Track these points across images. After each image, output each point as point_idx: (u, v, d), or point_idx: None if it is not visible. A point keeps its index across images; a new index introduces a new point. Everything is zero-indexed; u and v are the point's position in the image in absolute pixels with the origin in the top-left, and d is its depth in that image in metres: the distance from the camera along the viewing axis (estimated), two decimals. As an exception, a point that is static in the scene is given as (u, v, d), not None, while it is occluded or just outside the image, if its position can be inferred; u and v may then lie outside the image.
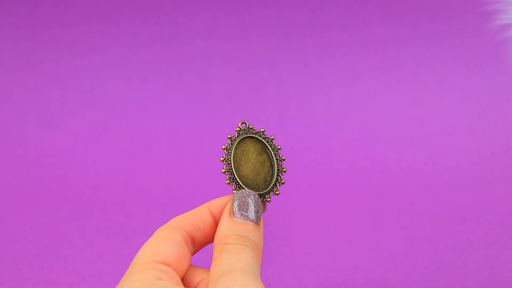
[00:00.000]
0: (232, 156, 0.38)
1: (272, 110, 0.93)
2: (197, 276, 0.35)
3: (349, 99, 0.94)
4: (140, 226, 0.74)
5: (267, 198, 0.38)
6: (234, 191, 0.37)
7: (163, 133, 0.92)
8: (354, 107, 0.93)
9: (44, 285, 0.63)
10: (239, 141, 0.39)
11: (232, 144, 0.38)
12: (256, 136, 0.39)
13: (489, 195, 0.82)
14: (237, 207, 0.35)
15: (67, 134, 0.92)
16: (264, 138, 0.39)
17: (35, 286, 0.63)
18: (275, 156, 0.39)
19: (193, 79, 0.95)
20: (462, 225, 0.75)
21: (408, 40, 0.95)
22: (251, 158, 0.39)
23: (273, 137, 0.39)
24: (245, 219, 0.35)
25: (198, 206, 0.37)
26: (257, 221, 0.35)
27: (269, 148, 0.39)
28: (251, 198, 0.36)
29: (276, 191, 0.38)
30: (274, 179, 0.38)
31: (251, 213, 0.35)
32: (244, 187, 0.37)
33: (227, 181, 0.38)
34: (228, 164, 0.38)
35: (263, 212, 0.37)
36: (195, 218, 0.36)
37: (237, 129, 0.39)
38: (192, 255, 0.36)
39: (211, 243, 0.36)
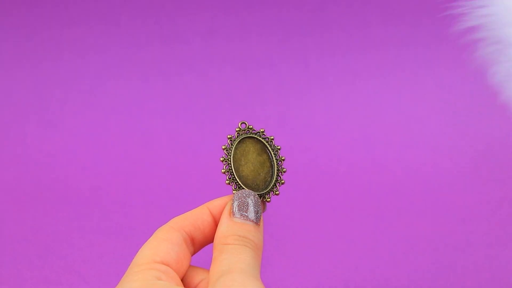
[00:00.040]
0: (232, 156, 0.38)
1: (272, 110, 0.93)
2: (197, 276, 0.35)
3: (349, 99, 0.94)
4: (140, 226, 0.74)
5: (267, 198, 0.38)
6: (234, 192, 0.37)
7: (163, 133, 0.92)
8: (354, 107, 0.93)
9: (44, 285, 0.63)
10: (239, 141, 0.39)
11: (232, 144, 0.38)
12: (256, 136, 0.39)
13: (489, 195, 0.82)
14: (237, 207, 0.35)
15: (67, 134, 0.92)
16: (264, 138, 0.39)
17: (35, 286, 0.63)
18: (275, 156, 0.39)
19: (193, 79, 0.95)
20: (462, 225, 0.75)
21: (408, 40, 0.95)
22: (251, 158, 0.39)
23: (273, 137, 0.39)
24: (245, 219, 0.35)
25: (198, 206, 0.37)
26: (257, 222, 0.35)
27: (269, 148, 0.39)
28: (251, 198, 0.36)
29: (276, 191, 0.38)
30: (274, 179, 0.38)
31: (251, 213, 0.35)
32: (244, 187, 0.37)
33: (227, 182, 0.38)
34: (228, 164, 0.38)
35: (263, 212, 0.37)
36: (195, 218, 0.36)
37: (237, 129, 0.39)
38: (192, 255, 0.36)
39: (211, 244, 0.36)
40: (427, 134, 0.92)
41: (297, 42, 0.95)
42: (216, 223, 0.36)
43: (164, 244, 0.34)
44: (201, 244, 0.37)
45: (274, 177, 0.38)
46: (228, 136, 0.39)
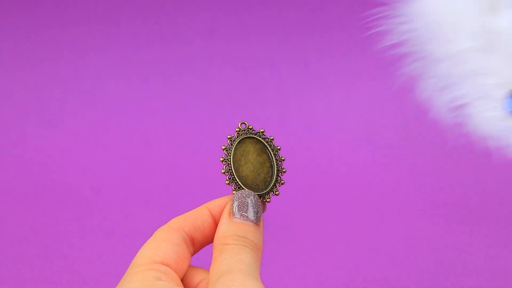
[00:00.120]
0: (231, 156, 0.38)
1: (272, 110, 0.93)
2: (197, 276, 0.35)
3: (349, 99, 0.94)
4: (140, 227, 0.74)
5: (267, 198, 0.38)
6: (233, 192, 0.37)
7: (163, 133, 0.92)
8: (354, 107, 0.93)
9: (45, 286, 0.63)
10: (239, 141, 0.38)
11: (231, 144, 0.38)
12: (255, 136, 0.39)
13: (489, 195, 0.82)
14: (236, 207, 0.35)
15: (67, 134, 0.92)
16: (264, 139, 0.39)
17: (36, 286, 0.63)
18: (274, 157, 0.39)
19: (193, 79, 0.95)
20: (462, 225, 0.75)
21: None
22: (251, 158, 0.38)
23: (272, 138, 0.39)
24: (244, 219, 0.35)
25: (197, 206, 0.37)
26: (256, 222, 0.35)
27: (269, 148, 0.39)
28: (251, 199, 0.35)
29: (275, 191, 0.38)
30: (274, 180, 0.38)
31: (251, 214, 0.35)
32: (244, 187, 0.37)
33: (226, 182, 0.38)
34: (228, 164, 0.38)
35: (263, 212, 0.37)
36: (194, 218, 0.36)
37: (236, 129, 0.39)
38: (192, 255, 0.36)
39: (211, 244, 0.36)
40: (427, 134, 0.92)
41: (297, 42, 0.95)
42: (216, 223, 0.36)
43: (164, 245, 0.34)
44: (201, 244, 0.37)
45: (274, 177, 0.38)
46: (228, 136, 0.38)
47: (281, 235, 0.72)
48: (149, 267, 0.32)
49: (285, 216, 0.76)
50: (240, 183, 0.37)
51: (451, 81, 0.34)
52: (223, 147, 0.38)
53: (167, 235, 0.35)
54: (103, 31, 0.96)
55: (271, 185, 0.38)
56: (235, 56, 0.96)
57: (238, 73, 0.95)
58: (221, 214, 0.36)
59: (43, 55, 0.96)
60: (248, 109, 0.94)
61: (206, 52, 0.96)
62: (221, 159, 0.38)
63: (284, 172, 0.39)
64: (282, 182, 0.39)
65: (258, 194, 0.37)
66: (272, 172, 0.39)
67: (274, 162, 0.39)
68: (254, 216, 0.35)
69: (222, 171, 0.38)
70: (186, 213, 0.37)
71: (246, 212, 0.35)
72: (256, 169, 0.38)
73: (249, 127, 0.39)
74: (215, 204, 0.37)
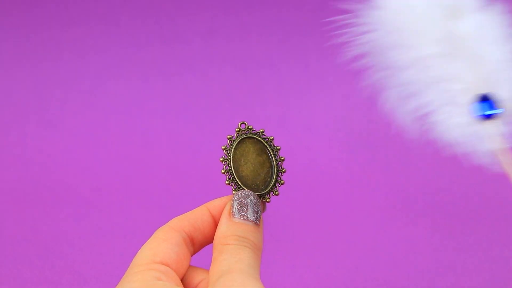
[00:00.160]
0: (231, 156, 0.38)
1: (272, 110, 0.93)
2: (197, 276, 0.35)
3: (349, 99, 0.94)
4: (140, 227, 0.74)
5: (267, 198, 0.38)
6: (233, 192, 0.37)
7: (163, 133, 0.92)
8: (354, 107, 0.93)
9: (44, 286, 0.63)
10: (239, 141, 0.38)
11: (231, 144, 0.38)
12: (255, 136, 0.39)
13: (489, 195, 0.82)
14: (236, 207, 0.35)
15: (67, 134, 0.92)
16: (264, 139, 0.39)
17: (36, 287, 0.63)
18: (274, 157, 0.39)
19: (193, 79, 0.95)
20: (462, 225, 0.75)
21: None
22: (251, 158, 0.38)
23: (272, 138, 0.39)
24: (244, 219, 0.35)
25: (197, 206, 0.37)
26: (256, 222, 0.35)
27: (269, 148, 0.39)
28: (251, 199, 0.35)
29: (275, 191, 0.38)
30: (274, 180, 0.38)
31: (251, 214, 0.35)
32: (244, 187, 0.37)
33: (226, 182, 0.38)
34: (228, 164, 0.38)
35: (263, 212, 0.37)
36: (194, 218, 0.36)
37: (236, 129, 0.39)
38: (191, 255, 0.36)
39: (211, 244, 0.36)
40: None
41: (297, 42, 0.95)
42: (216, 223, 0.36)
43: (163, 245, 0.34)
44: (201, 245, 0.37)
45: (274, 177, 0.38)
46: (228, 137, 0.38)
47: (281, 235, 0.72)
48: (149, 267, 0.32)
49: (285, 216, 0.76)
50: (240, 183, 0.37)
51: (415, 88, 0.34)
52: (223, 147, 0.38)
53: (167, 235, 0.35)
54: (103, 31, 0.96)
55: (271, 185, 0.38)
56: (235, 56, 0.96)
57: (238, 73, 0.95)
58: (221, 214, 0.36)
59: (43, 55, 0.96)
60: (248, 109, 0.94)
61: (206, 52, 0.96)
62: (221, 159, 0.38)
63: (284, 172, 0.39)
64: (282, 182, 0.39)
65: (258, 194, 0.37)
66: (272, 172, 0.39)
67: (274, 162, 0.39)
68: (254, 216, 0.35)
69: (222, 171, 0.38)
70: (186, 213, 0.37)
71: (246, 212, 0.35)
72: (256, 169, 0.38)
73: (249, 127, 0.39)
74: (215, 204, 0.37)
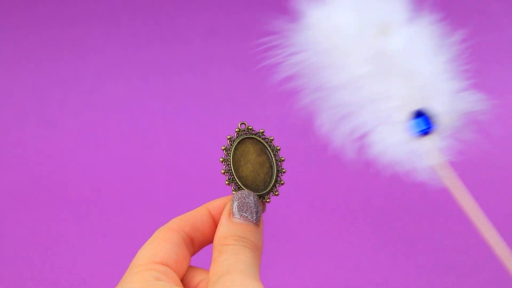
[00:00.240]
0: (231, 157, 0.38)
1: (272, 110, 0.93)
2: (197, 277, 0.35)
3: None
4: (140, 227, 0.74)
5: (267, 198, 0.38)
6: (233, 192, 0.37)
7: (163, 133, 0.92)
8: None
9: (44, 286, 0.63)
10: (239, 141, 0.38)
11: (231, 145, 0.38)
12: (255, 137, 0.39)
13: (489, 195, 0.82)
14: (236, 208, 0.35)
15: (67, 134, 0.92)
16: (264, 139, 0.39)
17: (35, 287, 0.63)
18: (274, 157, 0.39)
19: (193, 79, 0.95)
20: (462, 225, 0.75)
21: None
22: (251, 159, 0.38)
23: (272, 138, 0.39)
24: (244, 220, 0.35)
25: (197, 206, 0.37)
26: (256, 222, 0.35)
27: (269, 149, 0.39)
28: (251, 199, 0.35)
29: (275, 191, 0.38)
30: (274, 180, 0.38)
31: (251, 214, 0.35)
32: (244, 188, 0.37)
33: (226, 182, 0.38)
34: (228, 165, 0.38)
35: (263, 213, 0.37)
36: (194, 219, 0.36)
37: (236, 129, 0.39)
38: (191, 255, 0.36)
39: (211, 244, 0.36)
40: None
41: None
42: (215, 223, 0.36)
43: (163, 245, 0.34)
44: (200, 245, 0.37)
45: (274, 177, 0.38)
46: (228, 137, 0.38)
47: (281, 235, 0.72)
48: (148, 267, 0.32)
49: (285, 216, 0.76)
50: (239, 183, 0.37)
51: (350, 109, 0.33)
52: (222, 148, 0.38)
53: (167, 235, 0.35)
54: (103, 31, 0.96)
55: (270, 186, 0.38)
56: (235, 56, 0.96)
57: (238, 73, 0.95)
58: (220, 215, 0.36)
59: (43, 55, 0.96)
60: (248, 109, 0.94)
61: (206, 52, 0.96)
62: (220, 159, 0.38)
63: (284, 172, 0.39)
64: (282, 182, 0.39)
65: (257, 195, 0.37)
66: (272, 172, 0.39)
67: (274, 162, 0.39)
68: (254, 217, 0.35)
69: (222, 171, 0.38)
70: (186, 214, 0.37)
71: (245, 213, 0.35)
72: (256, 169, 0.38)
73: (249, 127, 0.39)
74: (214, 205, 0.37)
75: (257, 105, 0.94)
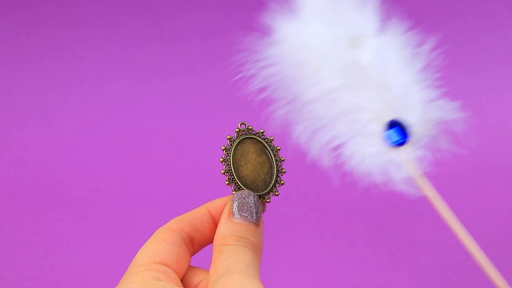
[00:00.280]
0: (231, 157, 0.38)
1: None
2: (197, 277, 0.35)
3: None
4: (140, 227, 0.74)
5: (267, 199, 0.38)
6: (233, 192, 0.37)
7: (162, 133, 0.92)
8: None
9: (44, 286, 0.63)
10: (239, 142, 0.38)
11: (231, 145, 0.38)
12: (255, 137, 0.39)
13: (489, 196, 0.82)
14: (236, 208, 0.35)
15: (67, 134, 0.92)
16: (264, 139, 0.39)
17: (35, 287, 0.63)
18: (274, 157, 0.39)
19: (193, 79, 0.95)
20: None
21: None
22: (251, 159, 0.38)
23: (272, 138, 0.39)
24: (244, 220, 0.35)
25: (197, 206, 0.37)
26: (256, 222, 0.35)
27: (269, 149, 0.39)
28: (251, 199, 0.35)
29: (275, 192, 0.38)
30: (274, 180, 0.38)
31: (251, 214, 0.35)
32: (244, 188, 0.37)
33: (226, 182, 0.38)
34: (228, 165, 0.38)
35: (263, 213, 0.37)
36: (194, 219, 0.36)
37: (236, 129, 0.39)
38: (191, 256, 0.36)
39: (211, 244, 0.36)
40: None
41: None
42: (215, 223, 0.36)
43: (163, 245, 0.34)
44: (200, 245, 0.37)
45: (274, 177, 0.38)
46: (228, 137, 0.38)
47: (281, 235, 0.72)
48: (148, 267, 0.32)
49: (285, 216, 0.76)
50: (239, 183, 0.37)
51: (324, 122, 0.33)
52: (222, 148, 0.38)
53: (167, 236, 0.35)
54: (103, 31, 0.96)
55: (270, 186, 0.38)
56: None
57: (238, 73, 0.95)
58: (220, 215, 0.36)
59: (43, 55, 0.96)
60: (248, 109, 0.93)
61: (206, 52, 0.96)
62: (220, 159, 0.38)
63: (284, 172, 0.39)
64: (282, 182, 0.39)
65: (258, 195, 0.37)
66: (271, 172, 0.39)
67: (274, 162, 0.39)
68: (254, 217, 0.35)
69: (222, 171, 0.38)
70: (186, 214, 0.37)
71: (246, 213, 0.35)
72: (256, 169, 0.38)
73: (249, 127, 0.39)
74: (214, 205, 0.37)
75: (257, 105, 0.94)
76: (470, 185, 0.85)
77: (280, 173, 0.39)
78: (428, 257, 0.69)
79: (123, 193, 0.83)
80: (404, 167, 0.32)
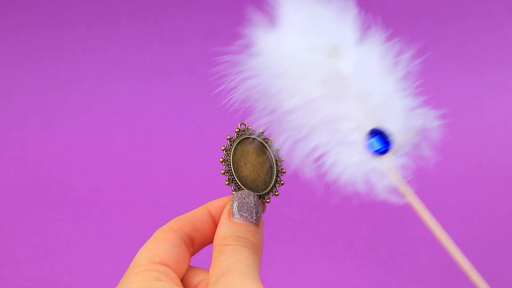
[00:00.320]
0: (231, 157, 0.38)
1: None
2: (197, 277, 0.35)
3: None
4: (140, 227, 0.74)
5: (267, 199, 0.38)
6: (233, 192, 0.37)
7: (163, 133, 0.92)
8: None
9: (44, 286, 0.64)
10: (239, 142, 0.38)
11: (231, 145, 0.38)
12: (255, 137, 0.39)
13: (489, 196, 0.82)
14: (236, 208, 0.35)
15: (67, 134, 0.92)
16: (264, 139, 0.39)
17: (35, 287, 0.63)
18: (274, 157, 0.39)
19: (193, 79, 0.95)
20: (462, 225, 0.75)
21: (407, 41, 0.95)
22: (251, 159, 0.38)
23: (272, 138, 0.39)
24: (244, 220, 0.35)
25: (197, 207, 0.37)
26: (256, 222, 0.35)
27: (269, 149, 0.39)
28: (251, 199, 0.36)
29: (275, 192, 0.38)
30: (274, 180, 0.38)
31: (251, 214, 0.35)
32: (244, 188, 0.37)
33: (226, 182, 0.38)
34: (228, 165, 0.38)
35: (263, 213, 0.37)
36: (194, 219, 0.36)
37: (236, 130, 0.39)
38: (191, 256, 0.36)
39: (211, 244, 0.36)
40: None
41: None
42: (215, 223, 0.36)
43: (163, 245, 0.34)
44: (200, 245, 0.37)
45: (274, 178, 0.38)
46: (228, 137, 0.38)
47: (281, 235, 0.72)
48: (148, 267, 0.32)
49: (285, 216, 0.76)
50: (239, 183, 0.37)
51: (305, 132, 0.33)
52: (222, 148, 0.38)
53: (167, 236, 0.35)
54: (103, 31, 0.96)
55: (270, 186, 0.38)
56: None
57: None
58: (220, 215, 0.36)
59: (43, 55, 0.96)
60: (248, 109, 0.93)
61: (206, 53, 0.96)
62: (220, 159, 0.38)
63: (284, 172, 0.39)
64: (282, 182, 0.39)
65: (257, 195, 0.37)
66: (271, 172, 0.39)
67: (274, 162, 0.39)
68: (254, 217, 0.35)
69: (222, 171, 0.38)
70: (186, 214, 0.37)
71: (245, 213, 0.35)
72: (256, 169, 0.38)
73: (249, 127, 0.39)
74: (214, 205, 0.37)
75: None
76: (470, 185, 0.85)
77: (280, 173, 0.39)
78: (428, 257, 0.69)
79: (123, 193, 0.83)
80: (387, 175, 0.32)
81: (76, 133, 0.92)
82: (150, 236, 0.35)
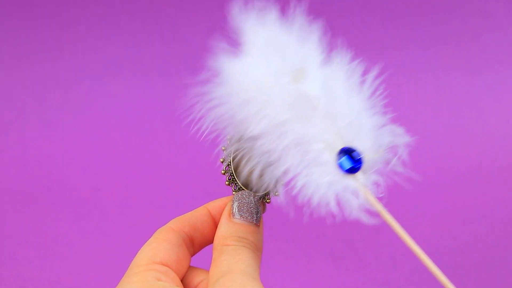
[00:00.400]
0: (231, 157, 0.38)
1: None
2: (197, 277, 0.35)
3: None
4: (140, 227, 0.74)
5: (267, 199, 0.38)
6: (233, 192, 0.37)
7: (163, 133, 0.92)
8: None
9: (44, 286, 0.63)
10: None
11: (231, 145, 0.38)
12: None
13: (489, 196, 0.82)
14: (236, 208, 0.35)
15: (67, 134, 0.92)
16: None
17: (35, 287, 0.63)
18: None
19: (192, 79, 0.95)
20: (462, 226, 0.75)
21: (408, 41, 0.95)
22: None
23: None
24: (244, 220, 0.35)
25: (197, 207, 0.37)
26: (256, 222, 0.35)
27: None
28: (251, 199, 0.36)
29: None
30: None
31: (251, 214, 0.35)
32: (244, 188, 0.37)
33: (226, 183, 0.38)
34: (228, 165, 0.38)
35: (263, 213, 0.37)
36: (194, 219, 0.36)
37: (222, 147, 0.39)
38: (191, 256, 0.36)
39: (211, 244, 0.36)
40: (427, 135, 0.92)
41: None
42: (215, 224, 0.36)
43: (163, 245, 0.34)
44: (200, 245, 0.37)
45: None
46: (228, 137, 0.38)
47: (281, 236, 0.72)
48: (149, 267, 0.32)
49: (285, 217, 0.76)
50: (240, 184, 0.37)
51: (275, 156, 0.33)
52: (223, 148, 0.38)
53: (167, 236, 0.35)
54: (103, 31, 0.96)
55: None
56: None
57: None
58: (221, 215, 0.36)
59: (43, 55, 0.96)
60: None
61: (206, 52, 0.96)
62: (221, 159, 0.38)
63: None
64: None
65: (258, 195, 0.37)
66: (272, 172, 0.39)
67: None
68: (254, 217, 0.35)
69: (222, 171, 0.38)
70: (186, 214, 0.37)
71: (246, 213, 0.35)
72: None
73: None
74: (215, 205, 0.37)
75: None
76: (470, 185, 0.85)
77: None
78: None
79: (123, 193, 0.83)
80: (359, 193, 0.32)
81: (76, 133, 0.92)
82: (150, 236, 0.35)
